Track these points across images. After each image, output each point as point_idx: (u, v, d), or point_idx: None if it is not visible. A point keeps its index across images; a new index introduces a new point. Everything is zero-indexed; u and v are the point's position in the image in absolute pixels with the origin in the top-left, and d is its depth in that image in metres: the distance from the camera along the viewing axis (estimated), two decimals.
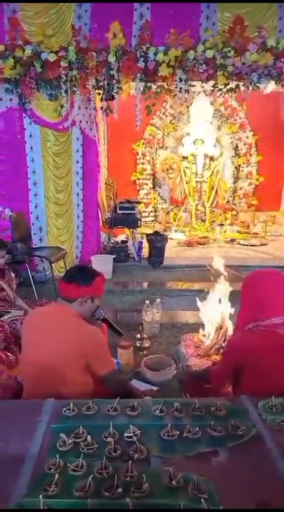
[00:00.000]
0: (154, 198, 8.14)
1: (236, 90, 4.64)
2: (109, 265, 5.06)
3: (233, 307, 2.86)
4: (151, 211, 8.12)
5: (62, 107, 4.64)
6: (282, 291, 1.79)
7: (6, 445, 1.41)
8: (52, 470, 1.22)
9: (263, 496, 1.14)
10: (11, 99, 4.64)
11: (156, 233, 5.75)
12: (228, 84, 4.53)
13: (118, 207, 5.90)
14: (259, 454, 1.33)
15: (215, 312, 3.01)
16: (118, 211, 5.86)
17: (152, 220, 8.07)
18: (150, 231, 6.03)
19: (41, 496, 1.08)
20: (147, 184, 8.04)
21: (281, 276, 1.84)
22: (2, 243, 3.29)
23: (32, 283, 4.44)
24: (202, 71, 4.29)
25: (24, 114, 4.73)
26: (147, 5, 4.40)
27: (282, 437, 1.38)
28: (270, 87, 4.74)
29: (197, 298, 3.26)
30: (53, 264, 4.65)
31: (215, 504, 1.08)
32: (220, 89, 4.62)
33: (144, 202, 7.92)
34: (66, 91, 4.50)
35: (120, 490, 1.13)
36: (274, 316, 1.72)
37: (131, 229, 5.94)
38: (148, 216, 8.00)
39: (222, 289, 3.00)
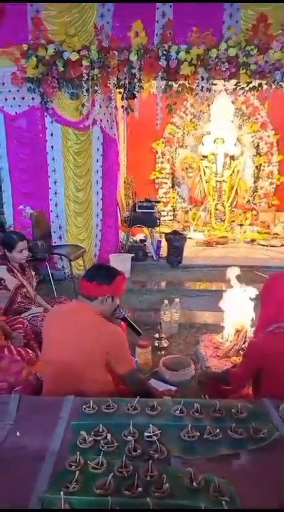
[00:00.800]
0: (173, 197, 8.11)
1: (259, 88, 4.58)
2: (127, 264, 5.07)
3: (255, 308, 2.83)
4: (169, 211, 8.09)
5: (83, 105, 4.67)
6: None
7: (27, 440, 1.43)
8: (72, 467, 1.23)
9: None
10: (33, 98, 4.68)
11: (175, 232, 5.73)
12: (251, 82, 4.48)
13: (137, 206, 5.90)
14: (281, 457, 1.31)
15: (236, 313, 2.98)
16: (137, 210, 5.86)
17: (171, 220, 8.04)
18: (169, 230, 6.01)
19: (61, 493, 1.09)
20: (166, 183, 8.02)
21: None
22: (20, 234, 3.31)
23: (52, 280, 4.48)
24: (224, 69, 4.25)
25: (45, 113, 4.77)
26: (169, 3, 4.37)
27: None
28: None
29: (217, 298, 3.23)
30: (72, 262, 4.68)
31: (236, 507, 1.07)
32: (242, 88, 4.57)
33: (163, 202, 7.90)
34: (87, 90, 4.52)
35: (140, 489, 1.13)
36: None
37: (150, 228, 5.93)
38: (166, 215, 7.98)
39: (243, 290, 2.97)
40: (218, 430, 1.39)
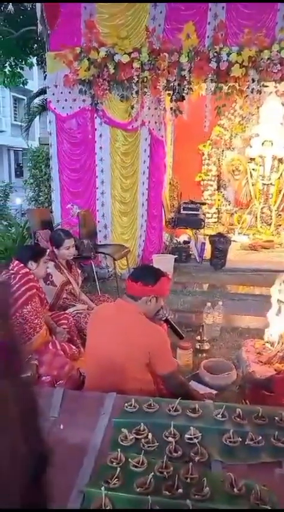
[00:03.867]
0: (218, 200, 8.01)
1: None
2: (170, 265, 5.07)
3: None
4: (214, 213, 8.00)
5: (132, 107, 4.72)
6: None
7: (70, 434, 1.47)
8: (114, 463, 1.26)
9: None
10: (83, 100, 4.80)
11: (220, 235, 5.66)
12: None
13: (182, 207, 5.89)
14: None
15: (281, 319, 2.91)
16: (182, 212, 5.85)
17: (215, 222, 7.95)
18: (213, 233, 5.95)
19: (103, 488, 1.11)
20: (211, 185, 7.93)
21: None
22: (68, 232, 3.40)
23: (96, 278, 4.56)
24: (276, 71, 4.17)
25: (95, 115, 4.87)
26: (221, 4, 4.34)
27: None
28: None
29: (261, 303, 3.17)
30: (115, 261, 4.74)
31: None
32: None
33: (208, 204, 7.82)
34: (137, 92, 4.57)
35: (180, 490, 1.14)
36: None
37: (194, 230, 5.90)
38: (211, 218, 7.89)
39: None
40: (260, 437, 1.37)
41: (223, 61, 4.21)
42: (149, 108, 4.82)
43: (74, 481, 1.21)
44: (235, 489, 1.14)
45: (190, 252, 5.78)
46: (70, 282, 3.27)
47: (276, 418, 1.49)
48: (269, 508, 1.06)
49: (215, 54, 4.24)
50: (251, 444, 1.35)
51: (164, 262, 4.96)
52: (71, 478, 1.23)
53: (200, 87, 4.68)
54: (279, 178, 7.31)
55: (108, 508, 1.09)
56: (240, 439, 1.37)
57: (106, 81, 4.57)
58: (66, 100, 4.90)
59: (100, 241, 5.20)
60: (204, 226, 6.07)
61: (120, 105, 4.76)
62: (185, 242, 5.96)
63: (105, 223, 5.22)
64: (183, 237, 6.17)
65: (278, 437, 1.37)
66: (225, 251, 5.42)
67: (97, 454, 1.34)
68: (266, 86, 4.51)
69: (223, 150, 7.85)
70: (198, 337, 3.67)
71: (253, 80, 4.28)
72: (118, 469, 1.22)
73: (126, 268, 5.01)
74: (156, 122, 5.12)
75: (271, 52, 4.12)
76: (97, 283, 4.51)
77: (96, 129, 4.93)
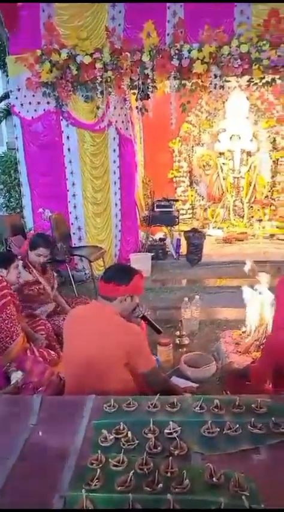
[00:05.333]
0: (192, 195, 8.07)
1: (273, 83, 4.54)
2: (147, 263, 5.09)
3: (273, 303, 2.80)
4: (188, 209, 8.06)
5: (98, 108, 4.71)
6: None
7: (50, 440, 1.46)
8: (94, 465, 1.25)
9: None
10: (48, 102, 4.77)
11: (194, 230, 5.71)
12: (264, 78, 4.46)
13: (155, 205, 5.92)
14: None
15: (256, 308, 2.96)
16: (156, 210, 5.88)
17: (190, 218, 8.01)
18: (188, 228, 6.00)
19: (83, 491, 1.11)
20: (184, 181, 7.99)
21: None
22: (48, 241, 3.39)
23: (72, 282, 4.54)
24: (237, 66, 4.24)
25: (61, 117, 4.84)
26: (180, 2, 4.37)
27: None
28: None
29: (238, 294, 3.22)
30: (92, 263, 4.73)
31: (256, 502, 1.07)
32: (256, 83, 4.54)
33: (182, 200, 7.87)
34: (101, 92, 4.56)
35: (160, 485, 1.14)
36: None
37: (169, 227, 5.94)
38: (185, 214, 7.95)
39: (263, 284, 2.95)
40: (238, 426, 1.39)
41: (185, 58, 4.26)
42: (115, 108, 4.82)
43: (55, 487, 1.20)
44: (214, 479, 1.15)
45: (167, 249, 5.81)
46: (39, 282, 3.25)
47: (253, 405, 1.51)
48: (248, 495, 1.07)
49: (176, 51, 4.28)
50: (230, 433, 1.37)
51: (141, 261, 4.98)
52: (52, 484, 1.22)
53: (164, 85, 4.71)
54: (248, 171, 7.43)
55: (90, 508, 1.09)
56: (218, 429, 1.38)
57: (70, 83, 4.55)
58: (30, 103, 4.85)
59: (74, 244, 5.17)
60: (178, 222, 6.11)
61: (86, 106, 4.74)
62: (161, 239, 5.99)
63: (79, 225, 5.20)
64: (158, 235, 6.21)
65: (254, 424, 1.40)
66: (200, 246, 5.47)
67: (77, 457, 1.33)
68: (229, 81, 4.58)
69: (192, 146, 7.92)
70: (177, 333, 3.70)
71: (215, 76, 4.33)
72: (99, 470, 1.22)
73: (103, 269, 4.98)
74: (123, 121, 5.12)
75: (230, 47, 4.19)
76: (74, 286, 4.49)
77: (62, 131, 4.90)
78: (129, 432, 1.39)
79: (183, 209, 7.83)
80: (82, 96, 4.69)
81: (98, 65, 4.40)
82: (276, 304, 1.91)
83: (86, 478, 1.20)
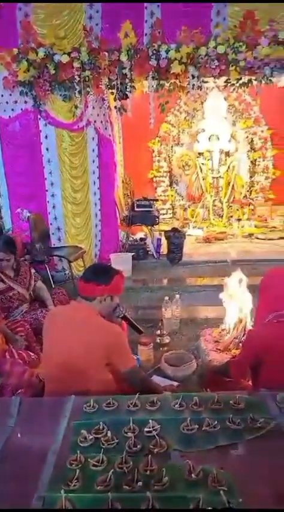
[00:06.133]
0: (172, 195, 8.12)
1: (249, 84, 4.60)
2: (128, 263, 5.09)
3: (253, 301, 2.84)
4: (169, 209, 8.10)
5: (76, 107, 4.68)
6: None
7: (29, 442, 1.45)
8: (73, 465, 1.25)
9: (282, 487, 1.15)
10: (25, 102, 4.70)
11: (174, 230, 5.74)
12: (241, 79, 4.51)
13: (135, 204, 5.91)
14: (278, 447, 1.33)
15: (235, 306, 3.00)
16: (136, 209, 5.87)
17: (170, 218, 8.06)
18: (168, 228, 6.02)
19: (62, 491, 1.11)
20: (163, 181, 8.03)
21: None
22: (8, 244, 3.30)
23: (52, 282, 4.50)
24: (214, 66, 4.27)
25: (39, 116, 4.79)
26: (157, 3, 4.38)
27: None
28: (283, 80, 4.68)
29: (217, 293, 3.25)
30: (72, 263, 4.70)
31: (234, 496, 1.09)
32: (233, 84, 4.60)
33: (162, 200, 7.91)
34: (79, 92, 4.53)
35: (140, 483, 1.15)
36: None
37: (149, 227, 5.95)
38: (166, 213, 7.99)
39: (242, 283, 2.99)
40: (216, 422, 1.40)
41: (163, 58, 4.27)
42: (94, 108, 4.80)
43: (35, 488, 1.19)
44: (193, 475, 1.17)
45: (147, 249, 5.82)
46: (12, 289, 3.21)
47: (231, 401, 1.53)
48: (226, 489, 1.09)
49: (154, 51, 4.28)
50: (208, 430, 1.38)
51: (122, 261, 4.97)
52: (31, 485, 1.21)
53: (142, 85, 4.72)
54: (227, 171, 7.51)
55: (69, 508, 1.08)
56: (197, 426, 1.40)
57: (48, 82, 4.50)
58: (7, 102, 4.77)
59: (54, 244, 5.13)
60: (158, 222, 6.12)
61: (64, 106, 4.69)
62: (141, 239, 5.99)
63: (58, 225, 5.16)
64: (139, 235, 6.21)
65: (233, 420, 1.41)
66: (181, 245, 5.50)
67: (56, 459, 1.32)
68: (206, 82, 4.61)
69: (172, 146, 7.97)
70: (158, 332, 3.71)
71: (193, 76, 4.36)
72: (78, 470, 1.21)
73: (83, 269, 4.96)
74: (102, 121, 5.10)
75: (207, 48, 4.22)
76: (53, 287, 4.45)
77: (40, 131, 4.84)
78: (109, 432, 1.39)
79: (163, 209, 7.86)
80: (60, 95, 4.64)
81: (76, 64, 4.37)
82: (259, 299, 1.94)
83: (65, 478, 1.19)
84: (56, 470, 1.26)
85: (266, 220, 7.30)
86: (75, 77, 4.44)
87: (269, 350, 1.74)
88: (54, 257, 4.98)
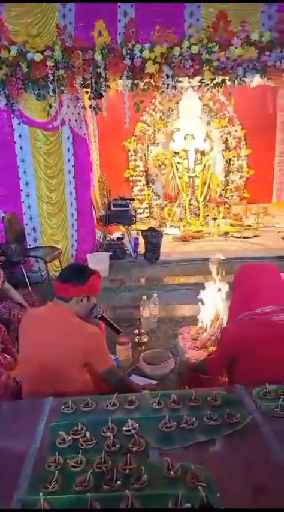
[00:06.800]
0: (148, 195, 8.15)
1: (223, 84, 4.66)
2: (105, 263, 5.08)
3: (229, 298, 2.87)
4: (145, 208, 8.13)
5: (50, 106, 4.64)
6: (271, 282, 1.82)
7: (7, 444, 1.43)
8: (52, 467, 1.24)
9: (259, 480, 1.17)
10: None
11: (151, 229, 5.76)
12: (214, 79, 4.55)
13: (112, 204, 5.90)
14: (254, 441, 1.35)
15: (211, 304, 3.03)
16: (113, 209, 5.87)
17: (147, 217, 8.08)
18: (145, 228, 6.04)
19: (41, 493, 1.10)
20: (140, 180, 8.05)
21: (269, 268, 1.88)
22: None
23: (28, 284, 4.45)
24: (188, 66, 4.30)
25: (12, 115, 4.72)
26: (130, 2, 4.38)
27: (276, 423, 1.40)
28: (256, 80, 4.77)
29: (195, 291, 3.27)
30: (48, 264, 4.66)
31: (212, 491, 1.10)
32: (207, 84, 4.64)
33: (138, 199, 7.93)
34: (53, 90, 4.49)
35: (119, 482, 1.15)
36: (265, 305, 1.75)
37: (126, 226, 5.95)
38: (143, 213, 8.01)
39: (218, 281, 3.02)
40: (194, 419, 1.41)
41: (137, 58, 4.28)
42: (68, 107, 4.76)
43: (14, 491, 1.18)
44: (171, 472, 1.17)
45: (125, 248, 5.82)
46: None
47: (208, 398, 1.55)
48: (204, 485, 1.10)
49: (128, 51, 4.29)
50: (186, 427, 1.39)
51: (99, 261, 4.95)
52: (10, 488, 1.19)
53: (117, 84, 4.71)
54: (203, 170, 7.58)
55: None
56: (175, 424, 1.41)
57: (20, 80, 4.44)
58: None
59: (29, 245, 5.07)
60: (135, 221, 6.13)
61: (37, 104, 4.65)
62: (119, 239, 5.98)
63: (34, 225, 5.10)
64: (116, 234, 6.20)
65: (210, 416, 1.43)
66: (158, 245, 5.52)
67: (35, 461, 1.31)
68: (181, 82, 4.64)
69: (148, 146, 8.00)
70: (136, 331, 3.72)
71: (168, 76, 4.38)
72: (57, 472, 1.20)
73: (60, 270, 4.92)
74: (76, 120, 5.06)
75: (181, 48, 4.25)
76: (29, 288, 4.40)
77: (14, 130, 4.79)
78: (87, 432, 1.39)
79: (140, 208, 7.88)
80: (34, 94, 4.59)
81: (49, 63, 4.32)
82: (232, 296, 1.97)
83: (44, 480, 1.18)
84: (35, 472, 1.25)
85: (241, 219, 7.42)
86: (49, 75, 4.39)
87: (243, 347, 1.76)
88: (30, 258, 4.93)
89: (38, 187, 4.98)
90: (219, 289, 2.97)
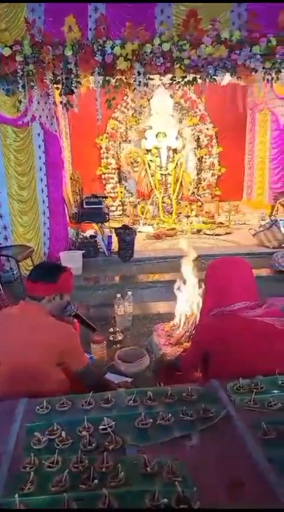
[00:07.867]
0: (121, 192, 8.14)
1: (194, 82, 4.69)
2: (78, 261, 5.04)
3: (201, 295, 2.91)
4: (118, 205, 8.12)
5: (20, 102, 4.54)
6: (242, 277, 1.84)
7: None
8: (27, 469, 1.22)
9: (234, 473, 1.19)
10: None
11: (125, 227, 5.75)
12: (185, 77, 4.58)
13: (84, 202, 5.86)
14: (229, 434, 1.37)
15: (185, 301, 3.06)
16: (85, 206, 5.83)
17: (120, 214, 8.08)
18: (119, 225, 6.03)
19: (16, 495, 1.08)
20: (112, 178, 8.04)
21: (241, 263, 1.90)
22: None
23: None
24: (159, 64, 4.31)
25: None
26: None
27: (250, 416, 1.43)
28: (226, 79, 4.83)
29: (169, 289, 3.29)
30: (19, 263, 4.58)
31: (189, 486, 1.11)
32: (178, 82, 4.66)
33: (111, 197, 7.91)
34: (23, 86, 4.41)
35: (96, 481, 1.14)
36: (236, 302, 1.77)
37: (99, 224, 5.92)
38: (116, 210, 8.01)
39: (191, 278, 3.05)
40: (170, 415, 1.42)
41: (108, 54, 4.25)
42: (39, 103, 4.69)
43: None
44: (148, 468, 1.18)
45: (98, 246, 5.80)
46: None
47: (184, 393, 1.56)
48: (181, 480, 1.11)
49: (99, 47, 4.25)
50: (162, 423, 1.40)
51: (72, 259, 4.92)
52: None
53: (88, 80, 4.67)
54: (175, 168, 7.63)
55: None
56: (152, 420, 1.41)
57: None
58: None
59: (0, 244, 4.97)
60: (108, 219, 6.11)
61: (7, 100, 4.55)
62: (92, 237, 5.95)
63: (4, 224, 4.99)
64: (89, 232, 6.17)
65: (186, 411, 1.44)
66: (131, 242, 5.53)
67: (10, 463, 1.28)
68: (152, 79, 4.65)
69: (120, 143, 7.98)
70: (111, 329, 3.72)
71: (139, 73, 4.37)
72: (32, 473, 1.19)
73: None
74: (47, 117, 5.00)
75: (152, 45, 4.25)
76: (1, 287, 4.32)
77: None
78: (63, 432, 1.37)
79: (112, 206, 7.87)
80: (3, 89, 4.49)
81: (18, 58, 4.24)
82: (205, 289, 1.98)
83: (19, 482, 1.16)
84: (10, 474, 1.23)
85: (213, 216, 7.52)
86: (18, 70, 4.31)
87: (216, 343, 1.78)
88: (1, 257, 4.83)
89: (8, 185, 4.88)
90: (193, 286, 3.00)
